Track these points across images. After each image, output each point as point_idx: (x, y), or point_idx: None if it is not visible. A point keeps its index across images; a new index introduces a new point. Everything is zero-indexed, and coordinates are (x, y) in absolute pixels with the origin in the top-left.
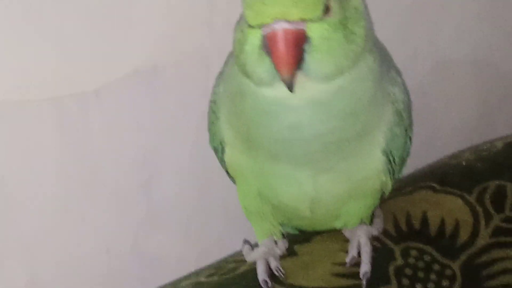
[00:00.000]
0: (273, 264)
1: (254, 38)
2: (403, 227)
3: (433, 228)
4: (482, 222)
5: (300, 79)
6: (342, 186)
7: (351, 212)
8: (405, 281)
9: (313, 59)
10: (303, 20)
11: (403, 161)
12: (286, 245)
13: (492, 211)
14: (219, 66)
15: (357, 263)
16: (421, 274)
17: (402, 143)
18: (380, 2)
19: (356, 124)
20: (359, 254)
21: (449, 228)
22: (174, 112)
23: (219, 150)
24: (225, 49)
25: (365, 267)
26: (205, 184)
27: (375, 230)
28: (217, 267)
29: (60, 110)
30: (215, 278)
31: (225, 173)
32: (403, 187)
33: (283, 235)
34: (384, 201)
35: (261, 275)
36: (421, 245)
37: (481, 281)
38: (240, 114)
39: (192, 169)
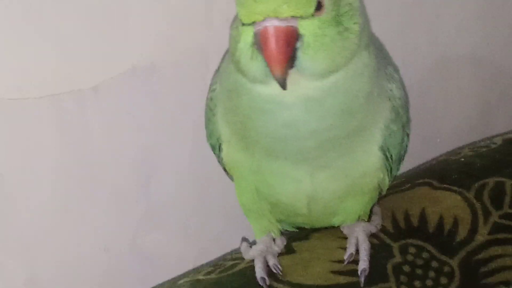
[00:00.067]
0: (271, 261)
1: (247, 36)
2: (402, 224)
3: (431, 225)
4: (481, 219)
5: (294, 77)
6: (339, 183)
7: (348, 209)
8: (403, 278)
9: (305, 56)
10: (295, 17)
11: (400, 158)
12: (284, 242)
13: (490, 207)
14: (218, 64)
15: (355, 260)
16: (419, 271)
17: (399, 140)
18: (379, 0)
19: (352, 121)
20: (357, 251)
21: (447, 225)
22: (173, 110)
23: (216, 147)
24: (223, 47)
25: (363, 264)
26: (204, 183)
27: (373, 227)
28: (215, 265)
29: (58, 108)
30: (213, 275)
31: (224, 172)
32: (402, 184)
33: (281, 232)
34: (382, 198)
35: (259, 272)
36: (419, 242)
37: (480, 278)
38: (236, 111)
39: (191, 167)
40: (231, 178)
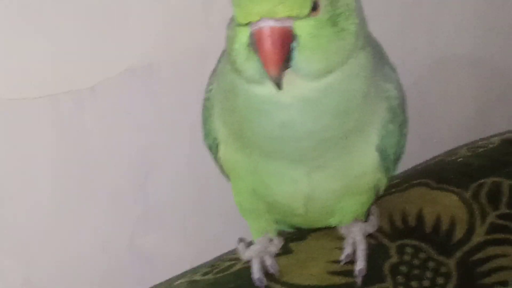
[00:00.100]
0: (268, 262)
1: (243, 36)
2: (399, 224)
3: (428, 225)
4: (478, 219)
5: (289, 77)
6: (336, 183)
7: (346, 209)
8: (401, 279)
9: (301, 56)
10: (290, 18)
11: (398, 158)
12: (281, 242)
13: (488, 208)
14: (215, 63)
15: (352, 261)
16: (416, 272)
17: (397, 140)
18: (379, 0)
19: (349, 121)
20: (354, 251)
21: (444, 225)
22: (171, 110)
23: (213, 147)
24: (221, 47)
25: (360, 265)
26: (201, 183)
27: (370, 227)
28: (212, 265)
29: (56, 108)
30: (210, 276)
31: (221, 172)
32: (399, 184)
33: (278, 233)
34: (379, 198)
35: (256, 273)
36: (416, 242)
37: (477, 278)
38: (233, 111)
39: (189, 167)
40: (227, 178)
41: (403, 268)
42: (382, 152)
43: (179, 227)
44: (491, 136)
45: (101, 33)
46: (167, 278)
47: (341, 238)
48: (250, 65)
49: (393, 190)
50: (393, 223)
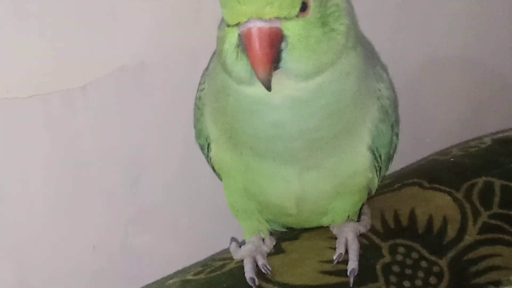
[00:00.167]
0: (260, 261)
1: (232, 37)
2: (391, 224)
3: (421, 225)
4: (470, 219)
5: (279, 78)
6: (328, 183)
7: (338, 209)
8: (393, 278)
9: (290, 57)
10: (279, 19)
11: (389, 157)
12: (274, 242)
13: (480, 207)
14: (207, 63)
15: (344, 260)
16: (408, 271)
17: (388, 140)
18: (370, 0)
19: (340, 121)
20: (346, 251)
21: (437, 225)
22: (162, 110)
23: (205, 146)
24: (213, 47)
25: (352, 264)
26: (193, 183)
27: (362, 227)
28: (204, 265)
29: (47, 107)
30: (202, 276)
31: (213, 171)
32: (391, 183)
33: (270, 232)
34: (371, 198)
35: (248, 272)
36: (408, 242)
37: (469, 278)
38: (224, 111)
39: (181, 167)
40: (219, 178)
41: (396, 268)
42: (374, 152)
43: (171, 227)
44: (483, 136)
45: (93, 32)
46: (159, 278)
47: (333, 238)
48: (239, 66)
49: (385, 190)
50: (385, 222)
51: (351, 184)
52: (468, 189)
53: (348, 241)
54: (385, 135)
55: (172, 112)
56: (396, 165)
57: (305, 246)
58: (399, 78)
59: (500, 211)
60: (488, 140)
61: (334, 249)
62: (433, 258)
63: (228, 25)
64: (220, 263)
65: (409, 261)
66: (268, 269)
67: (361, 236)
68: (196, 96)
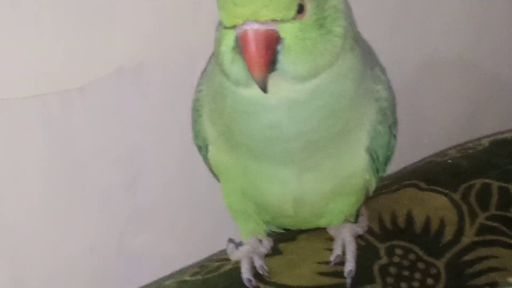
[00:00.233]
0: (258, 263)
1: (229, 39)
2: (388, 225)
3: (418, 226)
4: (467, 220)
5: (276, 80)
6: (326, 185)
7: (335, 211)
8: (390, 280)
9: (286, 59)
10: (275, 21)
11: (387, 159)
12: (271, 243)
13: (477, 209)
14: (205, 64)
15: (341, 262)
16: (406, 273)
17: (386, 141)
18: (368, 1)
19: (337, 123)
20: (343, 252)
21: (434, 227)
22: (160, 110)
23: (202, 148)
24: (211, 48)
25: (349, 266)
26: (191, 183)
27: (360, 229)
28: (202, 266)
29: (45, 108)
30: (199, 277)
31: (210, 173)
32: (389, 185)
33: (267, 233)
34: (369, 199)
35: (246, 273)
36: (406, 244)
37: (466, 280)
38: (222, 112)
39: (178, 168)
40: (217, 179)
41: (393, 269)
42: (371, 153)
43: (169, 228)
44: (481, 138)
45: (91, 32)
46: (156, 278)
47: (330, 239)
48: (236, 67)
49: (383, 191)
50: (382, 224)
51: (349, 186)
52: (466, 190)
53: (345, 242)
54: (383, 136)
55: (170, 112)
56: (393, 167)
57: (302, 247)
58: (397, 80)
59: (497, 212)
60: (485, 142)
61: (331, 250)
62: (430, 259)
63: (225, 27)
64: (217, 264)
65: (406, 263)
66: (265, 270)
67: (358, 237)
68: (194, 97)
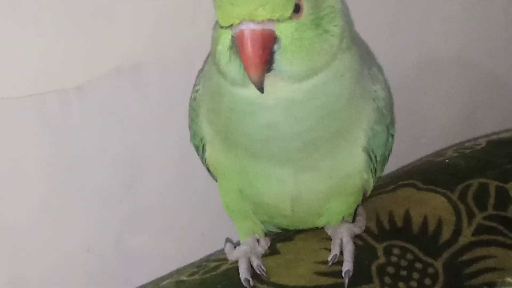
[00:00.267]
0: (255, 262)
1: (225, 39)
2: (386, 225)
3: (415, 226)
4: (465, 220)
5: (272, 79)
6: (323, 184)
7: (333, 210)
8: (388, 280)
9: (283, 59)
10: (272, 20)
11: (385, 158)
12: (268, 243)
13: (474, 209)
14: (203, 64)
15: (339, 262)
16: (403, 273)
17: (384, 141)
18: (368, 0)
19: (335, 123)
20: (341, 252)
21: (431, 226)
22: (158, 110)
23: (200, 147)
24: (209, 47)
25: (347, 266)
26: (189, 183)
27: (357, 228)
28: (199, 266)
29: (43, 107)
30: (197, 276)
31: (208, 172)
32: (386, 185)
33: (265, 233)
34: (366, 199)
35: (243, 273)
36: (403, 244)
37: (463, 279)
38: (219, 112)
39: (176, 167)
40: (215, 178)
41: (390, 269)
42: (369, 153)
43: (167, 227)
44: (478, 138)
45: (89, 32)
46: (154, 278)
47: (328, 239)
48: (232, 67)
49: (380, 191)
50: (380, 224)
51: (346, 185)
52: (463, 190)
53: (343, 242)
54: (380, 136)
55: (168, 112)
56: (391, 166)
57: (300, 247)
58: (395, 79)
59: (495, 212)
60: (483, 142)
61: (329, 250)
62: (427, 259)
63: (222, 27)
64: (215, 264)
65: (404, 263)
66: (263, 270)
67: (356, 237)
68: (191, 97)
